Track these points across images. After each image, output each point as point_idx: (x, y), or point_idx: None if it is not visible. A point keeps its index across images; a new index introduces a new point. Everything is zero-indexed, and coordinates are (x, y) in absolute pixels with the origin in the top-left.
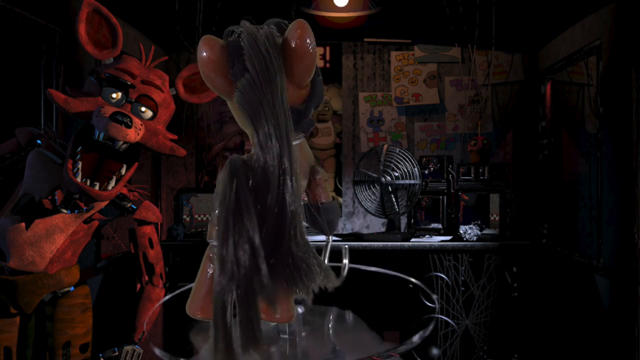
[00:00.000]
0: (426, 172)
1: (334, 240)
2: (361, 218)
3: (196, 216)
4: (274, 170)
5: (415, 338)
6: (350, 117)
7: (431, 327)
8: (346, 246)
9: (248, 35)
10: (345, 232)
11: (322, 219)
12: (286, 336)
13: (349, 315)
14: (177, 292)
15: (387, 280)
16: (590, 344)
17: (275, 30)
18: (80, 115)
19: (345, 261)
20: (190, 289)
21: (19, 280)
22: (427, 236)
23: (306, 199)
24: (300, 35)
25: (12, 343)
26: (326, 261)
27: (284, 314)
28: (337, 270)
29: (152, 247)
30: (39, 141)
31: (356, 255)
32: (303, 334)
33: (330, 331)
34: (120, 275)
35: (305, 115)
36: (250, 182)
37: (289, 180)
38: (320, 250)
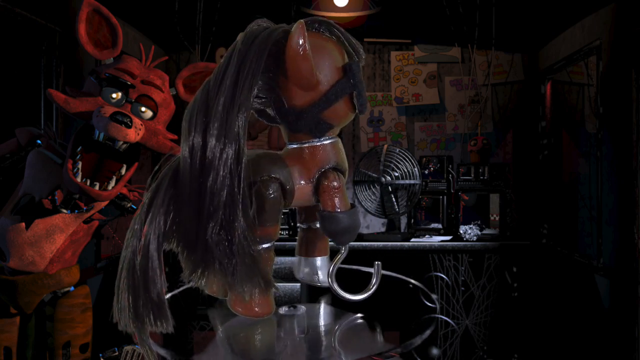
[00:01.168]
0: (426, 172)
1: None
2: (361, 218)
3: None
4: (192, 171)
5: (417, 341)
6: None
7: (431, 329)
8: (378, 263)
9: (239, 38)
10: None
11: (328, 228)
12: (284, 336)
13: (349, 315)
14: (177, 291)
15: (387, 280)
16: (590, 344)
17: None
18: (80, 115)
19: (374, 280)
20: (188, 290)
21: (19, 280)
22: (427, 236)
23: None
24: (291, 37)
25: (12, 343)
26: (333, 273)
27: (261, 309)
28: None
29: None
30: (39, 141)
31: (356, 256)
32: (302, 334)
33: (330, 331)
34: None
35: (302, 118)
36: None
37: (209, 181)
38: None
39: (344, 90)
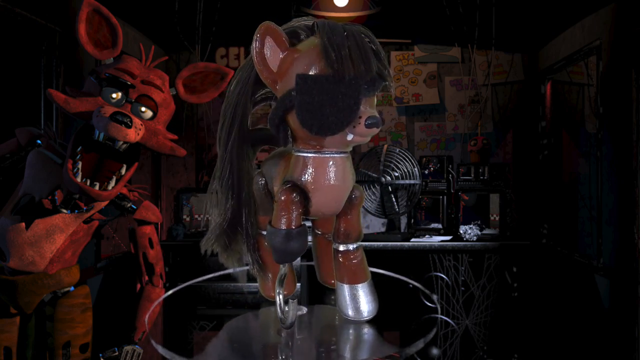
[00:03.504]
0: (426, 172)
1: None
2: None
3: (196, 216)
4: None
5: (419, 344)
6: None
7: (434, 330)
8: (292, 301)
9: None
10: None
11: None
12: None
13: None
14: (177, 288)
15: (387, 280)
16: (590, 344)
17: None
18: (80, 115)
19: (289, 316)
20: (184, 288)
21: (19, 280)
22: (427, 236)
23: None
24: None
25: (12, 343)
26: (280, 291)
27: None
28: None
29: (152, 247)
30: (39, 141)
31: None
32: (301, 336)
33: (332, 331)
34: (120, 275)
35: (270, 126)
36: None
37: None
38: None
39: (285, 102)
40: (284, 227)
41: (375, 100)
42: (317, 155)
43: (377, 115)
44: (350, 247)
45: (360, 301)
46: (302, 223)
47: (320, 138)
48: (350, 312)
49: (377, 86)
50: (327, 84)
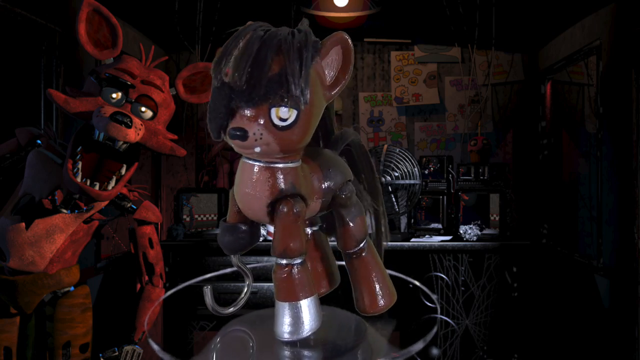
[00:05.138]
0: (426, 172)
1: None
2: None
3: (196, 216)
4: None
5: (419, 344)
6: (350, 117)
7: (434, 330)
8: (206, 287)
9: None
10: None
11: None
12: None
13: (351, 316)
14: (177, 288)
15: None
16: (590, 344)
17: None
18: (80, 115)
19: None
20: (184, 288)
21: (19, 280)
22: (427, 236)
23: None
24: None
25: (12, 343)
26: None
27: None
28: None
29: (152, 247)
30: (39, 141)
31: None
32: (304, 334)
33: (331, 332)
34: (120, 275)
35: None
36: None
37: None
38: None
39: None
40: (229, 222)
41: (277, 112)
42: (242, 159)
43: (243, 127)
44: (295, 261)
45: (301, 319)
46: (243, 220)
47: None
48: (287, 335)
49: (252, 98)
50: (213, 91)
